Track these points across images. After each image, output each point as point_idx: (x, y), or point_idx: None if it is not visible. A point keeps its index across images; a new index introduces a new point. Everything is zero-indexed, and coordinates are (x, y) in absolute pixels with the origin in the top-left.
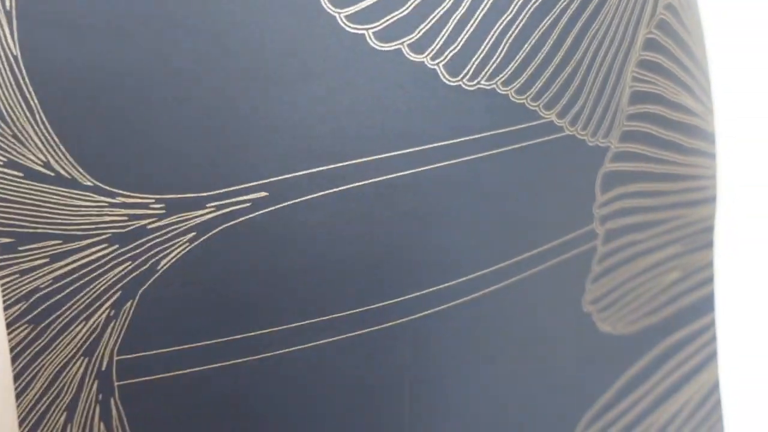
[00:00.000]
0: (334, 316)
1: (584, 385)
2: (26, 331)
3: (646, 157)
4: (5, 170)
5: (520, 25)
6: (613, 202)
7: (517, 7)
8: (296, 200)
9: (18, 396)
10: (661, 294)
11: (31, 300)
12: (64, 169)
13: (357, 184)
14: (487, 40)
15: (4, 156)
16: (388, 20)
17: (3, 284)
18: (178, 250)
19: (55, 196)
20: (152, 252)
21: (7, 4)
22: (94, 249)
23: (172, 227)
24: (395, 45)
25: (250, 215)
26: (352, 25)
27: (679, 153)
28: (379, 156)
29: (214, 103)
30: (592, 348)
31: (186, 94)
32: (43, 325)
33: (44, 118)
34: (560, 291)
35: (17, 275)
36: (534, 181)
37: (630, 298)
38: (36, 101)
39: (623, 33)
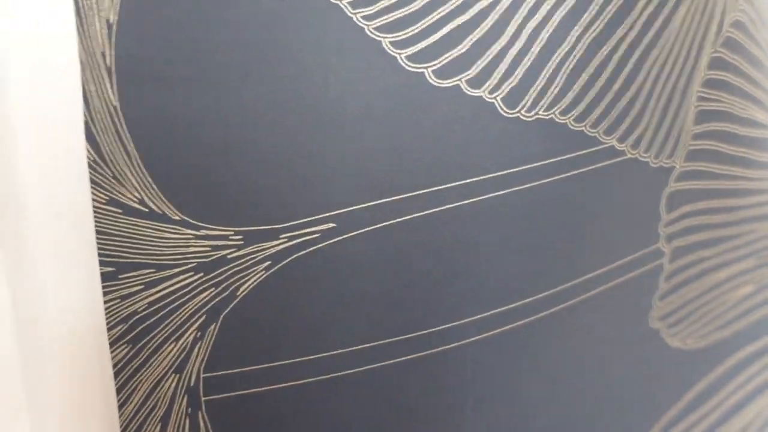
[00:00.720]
0: (396, 338)
1: (652, 399)
2: (126, 350)
3: (713, 175)
4: (107, 207)
5: (578, 55)
6: (680, 221)
7: (574, 38)
8: (361, 230)
9: (120, 408)
10: (733, 308)
11: (130, 322)
12: (156, 205)
13: (419, 214)
14: (544, 73)
15: (106, 195)
16: (446, 58)
17: (106, 308)
18: (256, 277)
19: (148, 230)
20: (232, 279)
21: (108, 60)
22: (182, 276)
23: (250, 256)
24: (454, 81)
25: (320, 245)
26: (412, 65)
27: (748, 168)
28: (439, 187)
29: (286, 143)
30: (661, 363)
31: (260, 138)
32: (140, 344)
33: (139, 161)
34: (625, 309)
35: (118, 300)
36: (595, 205)
37: (700, 314)
38: (132, 146)
39: (686, 55)
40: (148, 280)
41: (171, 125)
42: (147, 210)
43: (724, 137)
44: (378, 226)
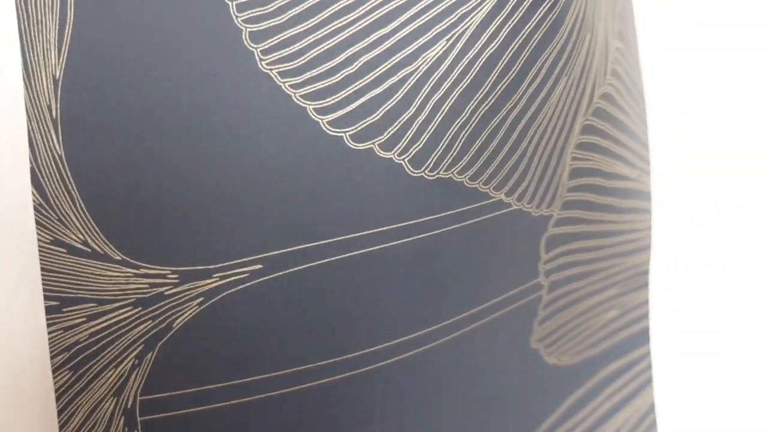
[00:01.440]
0: (317, 364)
1: (532, 409)
2: (68, 376)
3: (584, 220)
4: (52, 247)
5: (473, 124)
6: (556, 259)
7: (470, 110)
8: (286, 271)
9: (61, 428)
10: (600, 329)
11: (72, 351)
12: (98, 246)
13: (337, 257)
14: (444, 139)
15: (51, 235)
16: (362, 125)
17: (50, 338)
18: (190, 311)
19: (91, 268)
20: (169, 313)
21: (53, 113)
22: (122, 310)
23: (185, 293)
24: (368, 145)
25: (248, 284)
26: (332, 129)
27: (614, 213)
28: (355, 235)
29: (218, 193)
30: (540, 378)
31: (194, 188)
32: (81, 371)
33: (83, 206)
34: (511, 333)
35: (61, 331)
36: (487, 248)
37: (573, 335)
38: (76, 191)
39: (563, 123)
40: (90, 313)
41: (112, 173)
42: (90, 250)
43: (593, 189)
44: (301, 267)
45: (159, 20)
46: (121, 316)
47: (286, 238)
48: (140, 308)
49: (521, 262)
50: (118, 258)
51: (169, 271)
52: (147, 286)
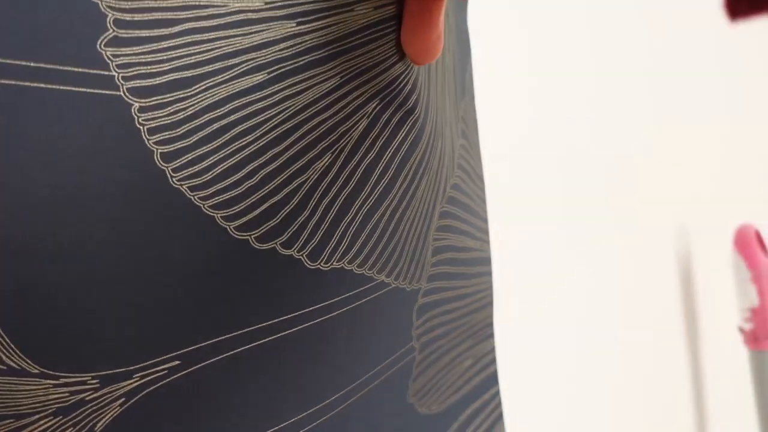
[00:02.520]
0: None
1: None
2: None
3: (444, 288)
4: None
5: (359, 221)
6: (425, 323)
7: (355, 209)
8: (201, 364)
9: None
10: (459, 378)
11: None
12: (14, 362)
13: (248, 346)
14: (335, 234)
15: None
16: (265, 228)
17: None
18: (111, 413)
19: (8, 384)
20: (90, 417)
21: None
22: (42, 422)
23: (106, 396)
24: (271, 245)
25: (167, 379)
26: (239, 233)
27: (465, 279)
28: (262, 324)
29: (134, 299)
30: (416, 427)
31: (109, 296)
32: None
33: None
34: (392, 393)
35: None
36: (371, 325)
37: (439, 386)
38: None
39: (426, 211)
40: (7, 429)
41: (25, 296)
42: (5, 367)
43: (449, 262)
44: (215, 359)
45: (66, 143)
46: (41, 428)
47: (199, 334)
48: (61, 416)
49: (399, 331)
50: (35, 371)
51: (89, 377)
52: (67, 394)
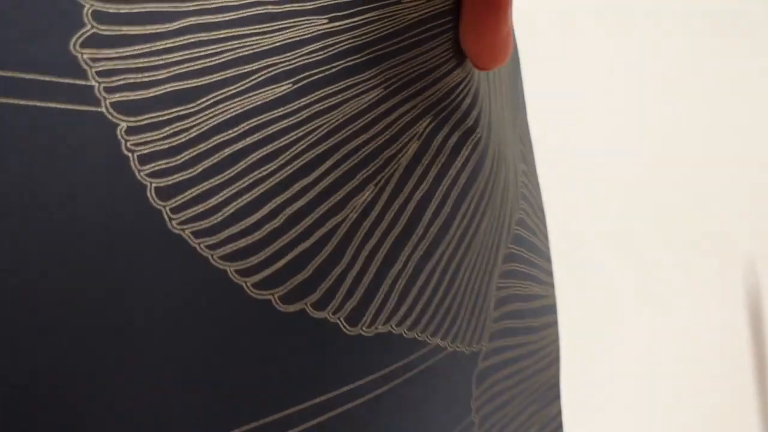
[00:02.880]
0: None
1: None
2: None
3: (509, 347)
4: None
5: (409, 272)
6: (486, 392)
7: (405, 257)
8: None
9: None
10: None
11: None
12: None
13: None
14: (381, 290)
15: None
16: (291, 284)
17: None
18: None
19: None
20: None
21: None
22: None
23: None
24: (299, 305)
25: None
26: (258, 292)
27: (532, 333)
28: (289, 411)
29: (142, 375)
30: None
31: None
32: None
33: None
34: None
35: None
36: (423, 401)
37: None
38: None
39: (488, 256)
40: None
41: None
42: None
43: (514, 315)
44: None
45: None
46: None
47: (204, 426)
48: None
49: (456, 404)
50: None
51: None
52: None
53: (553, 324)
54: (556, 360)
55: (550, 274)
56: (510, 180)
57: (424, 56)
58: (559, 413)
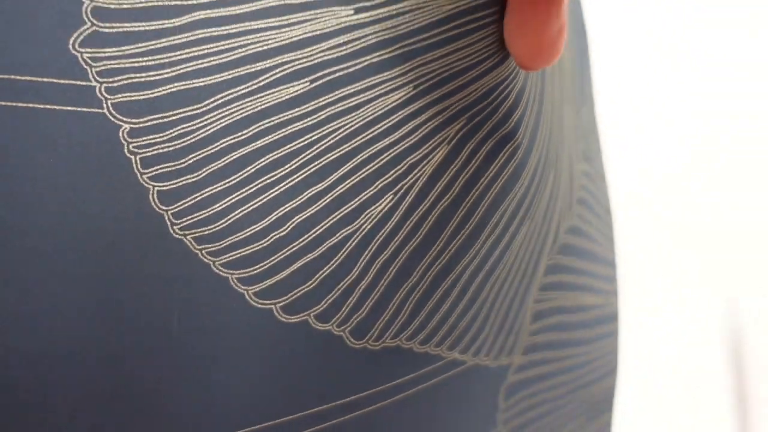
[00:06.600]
0: None
1: None
2: None
3: (549, 360)
4: None
5: (424, 287)
6: (517, 405)
7: (420, 272)
8: None
9: None
10: None
11: None
12: None
13: None
14: (391, 305)
15: None
16: (294, 294)
17: None
18: None
19: None
20: None
21: None
22: None
23: None
24: (302, 317)
25: None
26: (260, 301)
27: (582, 346)
28: (287, 418)
29: (127, 380)
30: None
31: (101, 374)
32: None
33: None
34: None
35: None
36: (437, 414)
37: None
38: None
39: (525, 268)
40: None
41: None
42: None
43: (558, 327)
44: None
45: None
46: None
47: (215, 427)
48: None
49: (476, 418)
50: None
51: None
52: None
53: (611, 334)
54: (612, 371)
55: (611, 280)
56: (561, 186)
57: (459, 53)
58: (608, 424)
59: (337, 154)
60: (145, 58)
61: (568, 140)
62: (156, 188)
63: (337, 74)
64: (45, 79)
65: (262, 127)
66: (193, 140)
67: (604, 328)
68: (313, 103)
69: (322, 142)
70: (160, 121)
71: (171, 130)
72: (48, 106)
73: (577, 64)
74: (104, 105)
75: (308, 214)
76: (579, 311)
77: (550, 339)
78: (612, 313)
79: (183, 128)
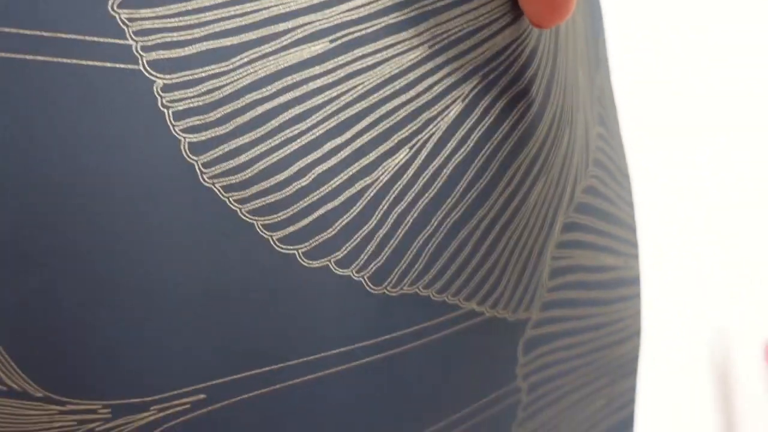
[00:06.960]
0: None
1: None
2: None
3: (568, 318)
4: None
5: (440, 237)
6: (536, 360)
7: (437, 222)
8: (232, 400)
9: None
10: (585, 422)
11: None
12: (15, 383)
13: (290, 383)
14: (408, 253)
15: None
16: (316, 241)
17: None
18: None
19: (9, 408)
20: None
21: None
22: None
23: (118, 428)
24: (323, 262)
25: (190, 415)
26: (284, 246)
27: (601, 306)
28: (309, 358)
29: (152, 316)
30: None
31: (125, 311)
32: None
33: None
34: None
35: None
36: (458, 360)
37: (556, 430)
38: None
39: (541, 224)
40: None
41: (27, 309)
42: (6, 388)
43: (576, 285)
44: (249, 395)
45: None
46: None
47: (231, 365)
48: None
49: (495, 369)
50: (39, 395)
51: (100, 406)
52: (74, 423)
53: (632, 297)
54: (634, 335)
55: (632, 244)
56: (576, 146)
57: (473, 12)
58: (632, 388)
59: (356, 110)
60: (177, 19)
61: (584, 102)
62: (187, 139)
63: (356, 34)
64: (87, 38)
65: (285, 83)
66: (221, 96)
67: (624, 290)
68: (332, 61)
69: (342, 98)
70: (191, 77)
71: (200, 86)
72: (91, 63)
73: (590, 30)
74: (140, 62)
75: (328, 166)
76: (597, 271)
77: (569, 296)
78: (632, 277)
79: (211, 84)
